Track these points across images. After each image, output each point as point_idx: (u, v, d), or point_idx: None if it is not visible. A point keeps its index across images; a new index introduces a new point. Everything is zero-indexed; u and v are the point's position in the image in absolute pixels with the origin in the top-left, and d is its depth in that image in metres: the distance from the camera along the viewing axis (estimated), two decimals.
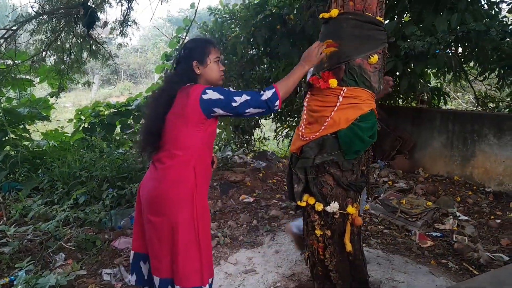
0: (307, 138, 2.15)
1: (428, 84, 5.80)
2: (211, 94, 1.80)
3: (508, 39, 3.36)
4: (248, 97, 1.81)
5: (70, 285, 2.48)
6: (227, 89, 1.86)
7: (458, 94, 9.60)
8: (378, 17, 2.08)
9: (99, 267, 2.95)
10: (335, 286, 2.34)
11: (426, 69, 5.58)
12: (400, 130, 5.64)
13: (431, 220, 3.96)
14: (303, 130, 2.20)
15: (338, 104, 2.05)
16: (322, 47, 1.98)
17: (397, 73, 4.71)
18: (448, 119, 5.22)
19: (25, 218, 3.54)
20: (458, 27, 3.61)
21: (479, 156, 4.89)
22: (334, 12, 2.08)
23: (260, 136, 7.83)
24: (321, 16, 2.16)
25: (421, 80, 5.31)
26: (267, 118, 7.71)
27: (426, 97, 5.64)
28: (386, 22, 4.67)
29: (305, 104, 2.23)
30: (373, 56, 2.04)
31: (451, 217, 4.03)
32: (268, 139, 7.90)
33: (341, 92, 2.04)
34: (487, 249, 3.34)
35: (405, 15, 4.47)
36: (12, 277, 2.68)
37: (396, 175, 5.22)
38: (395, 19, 4.70)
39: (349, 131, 2.04)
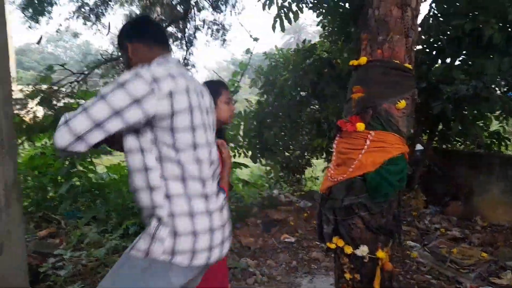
0: (336, 179, 2.19)
1: (486, 129, 5.53)
2: None
3: None
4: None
5: None
6: None
7: None
8: (406, 64, 2.14)
9: None
10: None
11: (485, 113, 5.37)
12: (455, 175, 5.38)
13: (486, 273, 3.69)
14: (332, 171, 2.25)
15: (365, 147, 2.09)
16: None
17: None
18: (508, 164, 4.91)
19: (81, 244, 3.85)
20: (509, 70, 3.49)
21: None
22: (363, 59, 2.17)
23: (311, 176, 7.83)
24: (350, 63, 2.26)
25: (477, 124, 5.10)
26: (319, 158, 7.71)
27: (481, 141, 5.38)
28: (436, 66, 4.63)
29: (334, 146, 2.29)
30: (400, 101, 2.07)
31: (510, 271, 3.71)
32: (318, 179, 7.86)
33: (369, 136, 2.08)
34: None
35: (456, 60, 4.40)
36: None
37: (449, 222, 4.94)
38: (447, 61, 4.64)
39: (376, 174, 2.06)
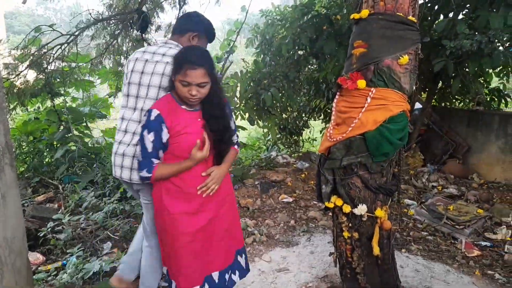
0: (335, 139, 2.15)
1: (488, 85, 5.45)
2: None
3: None
4: (140, 159, 1.89)
5: (112, 271, 2.67)
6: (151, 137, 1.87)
7: None
8: (410, 17, 2.03)
9: None
10: None
11: (487, 69, 5.26)
12: (453, 133, 5.36)
13: (481, 228, 3.74)
14: (331, 131, 2.20)
15: (366, 105, 2.03)
16: (205, 151, 1.89)
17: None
18: (508, 122, 4.88)
19: (79, 208, 3.85)
20: None
21: None
22: (364, 12, 2.07)
23: (309, 137, 7.79)
24: (351, 17, 2.16)
25: (479, 81, 5.01)
26: (317, 119, 7.65)
27: (482, 99, 5.31)
28: (439, 21, 4.47)
29: (334, 105, 2.23)
30: (403, 57, 1.99)
31: (505, 226, 3.77)
32: (316, 140, 7.84)
33: (370, 93, 2.02)
34: None
35: (460, 14, 4.24)
36: (65, 261, 2.94)
37: (447, 180, 4.97)
38: (450, 16, 4.48)
39: (377, 133, 2.02)
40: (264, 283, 2.84)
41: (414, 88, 2.12)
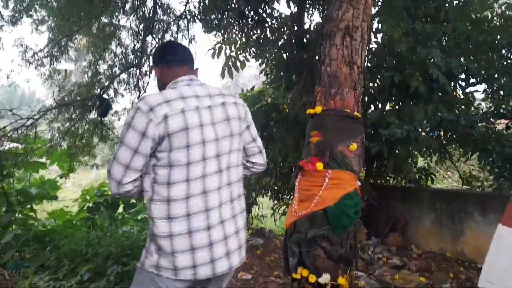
0: (300, 214, 2.45)
1: (415, 165, 6.20)
2: None
3: (476, 127, 3.81)
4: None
5: None
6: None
7: (449, 173, 10.03)
8: (355, 113, 2.51)
9: None
10: None
11: (413, 152, 6.04)
12: (391, 208, 5.90)
13: None
14: (296, 207, 2.50)
15: (325, 184, 2.38)
16: None
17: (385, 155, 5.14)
18: (436, 197, 5.51)
19: None
20: (433, 116, 4.11)
21: (467, 233, 5.09)
22: (318, 109, 2.52)
23: (258, 214, 8.03)
24: (307, 112, 2.60)
25: (408, 161, 5.72)
26: (264, 196, 7.98)
27: (412, 177, 6.01)
28: (370, 111, 5.22)
29: (296, 184, 2.57)
30: (352, 144, 2.42)
31: None
32: (266, 217, 8.09)
33: (327, 174, 2.39)
34: None
35: (387, 105, 5.02)
36: None
37: (390, 251, 5.37)
38: (379, 107, 5.26)
39: (336, 208, 2.35)
40: None
41: (362, 168, 2.53)
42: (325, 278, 2.41)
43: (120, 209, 6.59)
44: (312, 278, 2.44)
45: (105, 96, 4.94)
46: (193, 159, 1.49)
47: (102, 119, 5.28)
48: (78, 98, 4.94)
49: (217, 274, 1.54)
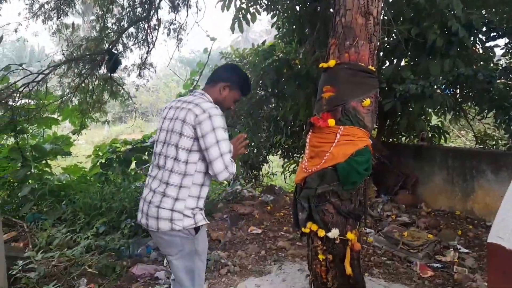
0: (310, 170, 2.44)
1: (428, 123, 6.10)
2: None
3: (494, 82, 3.67)
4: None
5: None
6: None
7: (462, 132, 9.88)
8: (370, 66, 2.42)
9: None
10: None
11: (427, 109, 5.92)
12: (402, 166, 5.89)
13: (432, 252, 4.13)
14: (306, 163, 2.49)
15: (336, 140, 2.35)
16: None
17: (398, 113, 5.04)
18: (448, 156, 5.47)
19: (49, 246, 3.80)
20: (449, 72, 3.96)
21: (478, 191, 5.09)
22: (332, 62, 2.43)
23: (268, 172, 8.12)
24: (320, 65, 2.51)
25: (422, 119, 5.62)
26: (275, 154, 8.02)
27: (425, 135, 5.93)
28: (386, 66, 5.06)
29: (307, 140, 2.53)
30: (366, 100, 2.36)
31: (452, 249, 4.19)
32: (276, 174, 8.17)
33: (339, 131, 2.34)
34: (486, 280, 3.49)
35: (402, 60, 4.85)
36: None
37: (399, 209, 5.42)
38: (394, 62, 5.10)
39: (347, 165, 2.33)
40: None
41: (374, 125, 2.48)
42: (334, 233, 2.43)
43: (133, 165, 6.69)
44: (321, 233, 2.46)
45: (113, 51, 4.86)
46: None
47: (112, 74, 5.22)
48: (87, 53, 4.87)
49: (143, 225, 2.10)
